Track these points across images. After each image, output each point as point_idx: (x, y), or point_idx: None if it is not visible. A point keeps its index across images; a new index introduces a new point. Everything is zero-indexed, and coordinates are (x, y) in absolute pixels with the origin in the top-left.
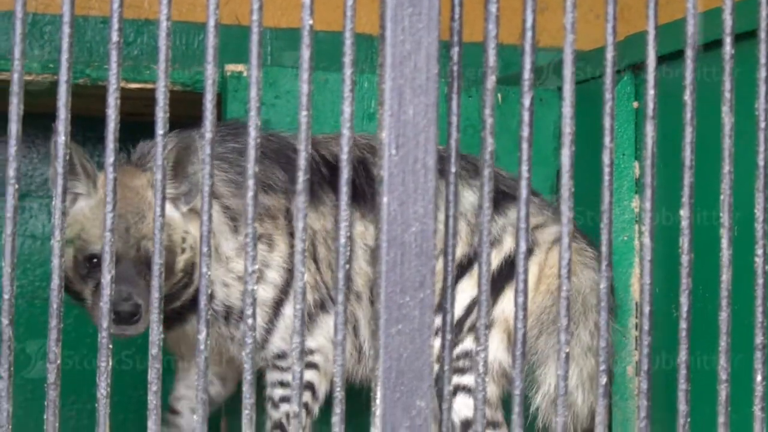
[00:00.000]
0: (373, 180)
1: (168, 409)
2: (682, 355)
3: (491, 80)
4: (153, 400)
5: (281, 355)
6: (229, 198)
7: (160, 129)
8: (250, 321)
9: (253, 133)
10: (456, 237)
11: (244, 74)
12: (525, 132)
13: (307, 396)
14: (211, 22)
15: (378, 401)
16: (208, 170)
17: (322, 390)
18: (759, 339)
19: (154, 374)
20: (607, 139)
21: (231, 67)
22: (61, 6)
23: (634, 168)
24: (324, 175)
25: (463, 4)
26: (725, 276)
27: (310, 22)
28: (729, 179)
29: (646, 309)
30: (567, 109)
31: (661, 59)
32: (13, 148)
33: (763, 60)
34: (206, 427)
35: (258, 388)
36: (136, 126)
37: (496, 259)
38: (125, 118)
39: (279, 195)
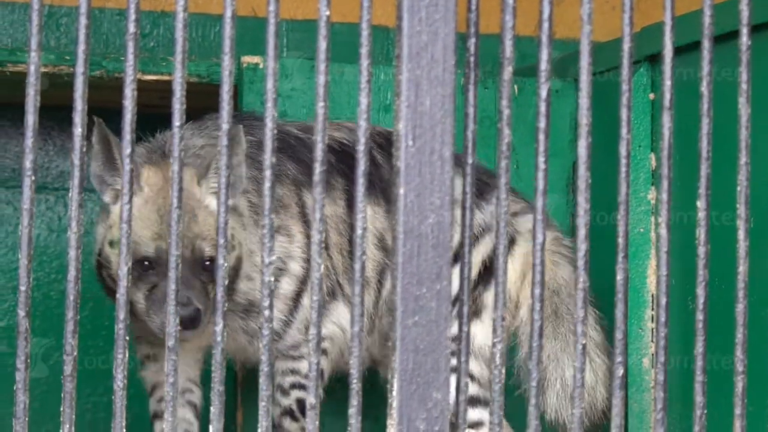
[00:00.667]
0: (377, 165)
1: (154, 417)
2: (699, 347)
3: (508, 71)
4: (170, 391)
5: (295, 346)
6: (254, 194)
7: (176, 120)
8: (267, 312)
9: (270, 124)
10: (471, 229)
11: (261, 66)
12: (542, 123)
13: (320, 381)
14: (228, 14)
15: (394, 393)
16: (224, 161)
17: (327, 374)
18: None
19: (171, 366)
20: (623, 131)
21: (247, 59)
22: None
23: (650, 159)
24: (330, 161)
25: None
26: (742, 268)
27: (327, 13)
28: (746, 170)
29: (663, 301)
30: (583, 101)
31: (677, 50)
32: (29, 140)
33: None
34: (222, 418)
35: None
36: (152, 117)
37: (489, 245)
38: (141, 110)
39: (289, 185)
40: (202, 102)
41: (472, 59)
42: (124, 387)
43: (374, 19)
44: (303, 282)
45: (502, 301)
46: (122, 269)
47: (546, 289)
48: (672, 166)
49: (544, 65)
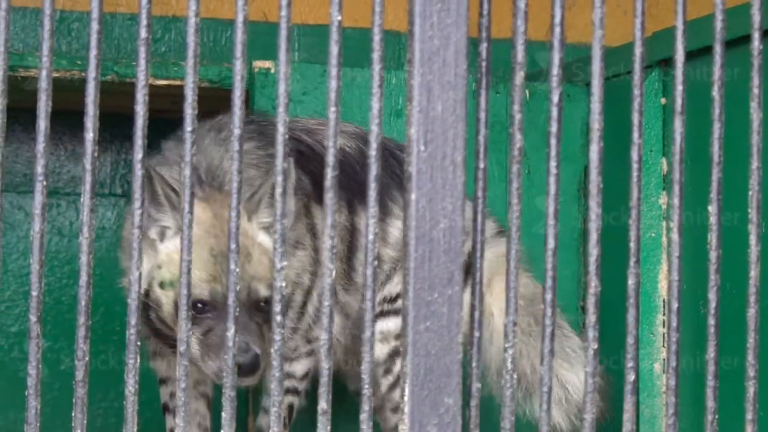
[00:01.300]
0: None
1: (165, 409)
2: (711, 352)
3: (520, 76)
4: (182, 396)
5: (295, 349)
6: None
7: (188, 126)
8: (279, 318)
9: (281, 129)
10: (484, 234)
11: (272, 71)
12: (553, 128)
13: (306, 383)
14: (240, 19)
15: (406, 398)
16: (237, 167)
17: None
18: None
19: (182, 371)
20: (635, 135)
21: (259, 64)
22: (89, 3)
23: (661, 164)
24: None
25: (491, 0)
26: (753, 272)
27: (339, 18)
28: (757, 175)
29: (674, 306)
30: (595, 105)
31: (689, 55)
32: (41, 145)
33: None
34: (234, 423)
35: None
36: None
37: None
38: (152, 115)
39: (301, 196)
40: (214, 107)
41: (483, 64)
42: (136, 392)
43: (386, 24)
44: (309, 292)
45: (513, 306)
46: (134, 274)
47: (524, 299)
48: (684, 170)
49: (555, 70)
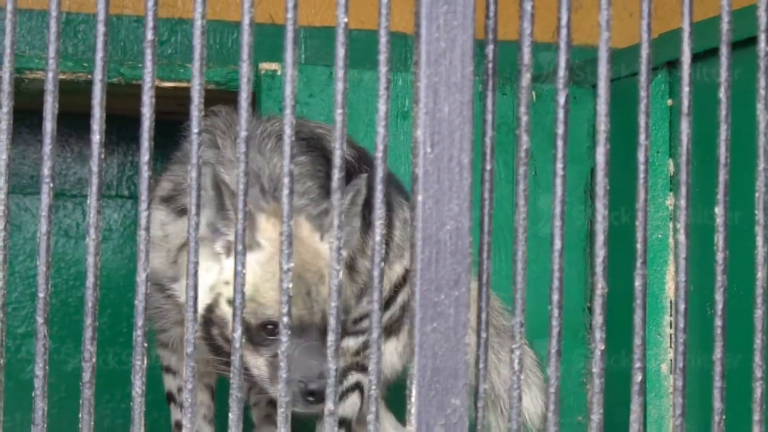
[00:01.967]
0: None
1: (169, 399)
2: (717, 353)
3: (526, 78)
4: (188, 398)
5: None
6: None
7: (195, 128)
8: (285, 319)
9: (288, 131)
10: (491, 235)
11: (279, 73)
12: (560, 130)
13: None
14: (246, 21)
15: (413, 399)
16: (243, 168)
17: None
18: None
19: (189, 372)
20: (642, 137)
21: (265, 66)
22: (96, 5)
23: (668, 166)
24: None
25: (498, 2)
26: (760, 274)
27: (345, 20)
28: (764, 177)
29: (682, 306)
30: (602, 107)
31: (695, 57)
32: (47, 147)
33: None
34: (241, 424)
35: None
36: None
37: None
38: (158, 117)
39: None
40: None
41: (490, 66)
42: (143, 393)
43: (392, 26)
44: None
45: (520, 307)
46: (140, 276)
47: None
48: (690, 172)
49: (562, 72)
